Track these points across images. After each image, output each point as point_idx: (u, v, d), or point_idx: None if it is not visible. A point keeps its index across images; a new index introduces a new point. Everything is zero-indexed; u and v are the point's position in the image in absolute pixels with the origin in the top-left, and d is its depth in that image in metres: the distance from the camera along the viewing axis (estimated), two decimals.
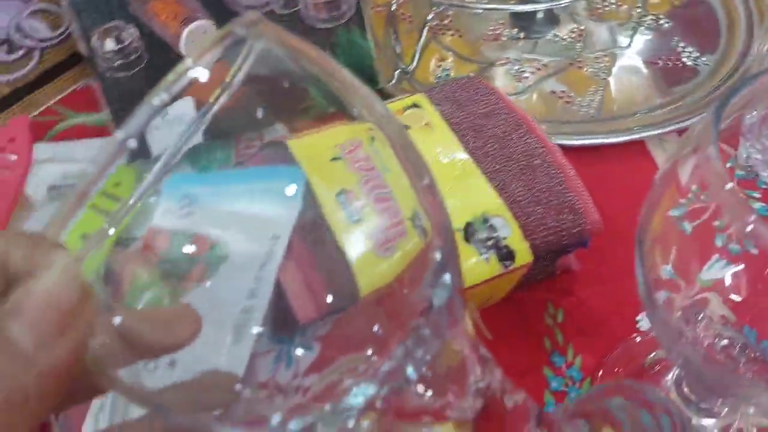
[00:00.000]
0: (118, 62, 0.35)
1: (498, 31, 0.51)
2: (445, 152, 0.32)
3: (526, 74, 0.48)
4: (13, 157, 0.38)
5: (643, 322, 0.35)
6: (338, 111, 0.43)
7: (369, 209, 0.31)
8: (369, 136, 0.35)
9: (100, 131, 0.44)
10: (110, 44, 0.34)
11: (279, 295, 0.31)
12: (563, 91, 0.46)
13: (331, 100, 0.45)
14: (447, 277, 0.19)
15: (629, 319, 0.35)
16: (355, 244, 0.30)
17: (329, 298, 0.29)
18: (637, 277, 0.25)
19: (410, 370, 0.19)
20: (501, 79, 0.47)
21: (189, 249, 0.32)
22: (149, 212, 0.34)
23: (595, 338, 0.34)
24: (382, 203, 0.32)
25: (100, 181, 0.17)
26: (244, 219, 0.33)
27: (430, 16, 0.49)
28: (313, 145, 0.34)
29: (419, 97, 0.35)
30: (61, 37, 0.43)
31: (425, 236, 0.21)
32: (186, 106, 0.38)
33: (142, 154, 0.38)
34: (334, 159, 0.33)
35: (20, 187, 0.38)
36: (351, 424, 0.19)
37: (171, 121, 0.37)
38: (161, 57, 0.36)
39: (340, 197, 0.31)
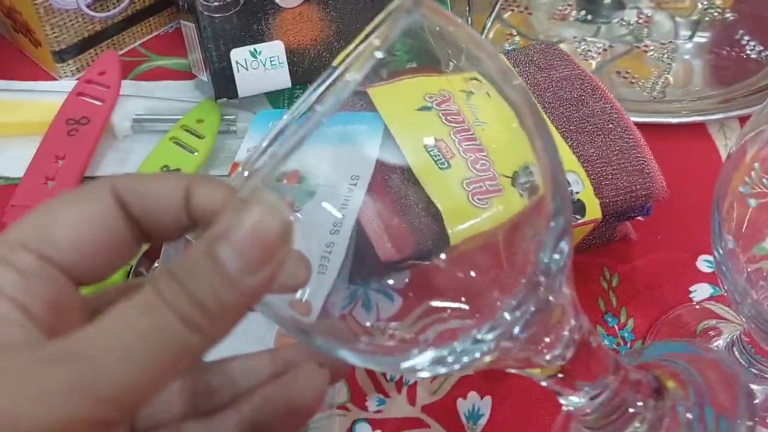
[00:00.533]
0: (216, 3, 0.36)
1: (566, 11, 0.52)
2: None
3: (591, 54, 0.49)
4: (103, 89, 0.40)
5: (696, 292, 0.36)
6: (422, 66, 0.44)
7: (459, 159, 0.32)
8: (464, 90, 0.36)
9: (180, 75, 0.46)
10: None
11: (360, 235, 0.32)
12: (627, 72, 0.47)
13: (417, 54, 0.46)
14: (565, 244, 0.19)
15: (683, 288, 0.36)
16: (445, 192, 0.31)
17: (413, 241, 0.30)
18: (712, 241, 0.27)
19: (517, 329, 0.19)
20: None
21: (279, 180, 0.34)
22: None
23: (648, 304, 0.36)
24: (474, 156, 0.33)
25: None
26: (328, 158, 0.34)
27: None
28: (397, 94, 0.35)
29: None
30: None
31: (533, 195, 0.21)
32: (278, 50, 0.40)
33: (228, 93, 0.40)
34: (423, 108, 0.34)
35: (108, 116, 0.40)
36: (456, 368, 0.20)
37: (261, 66, 0.39)
38: (255, 3, 0.37)
39: (429, 145, 0.33)
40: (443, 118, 0.34)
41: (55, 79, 0.44)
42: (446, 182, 0.31)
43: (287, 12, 0.38)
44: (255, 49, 0.38)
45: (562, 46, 0.49)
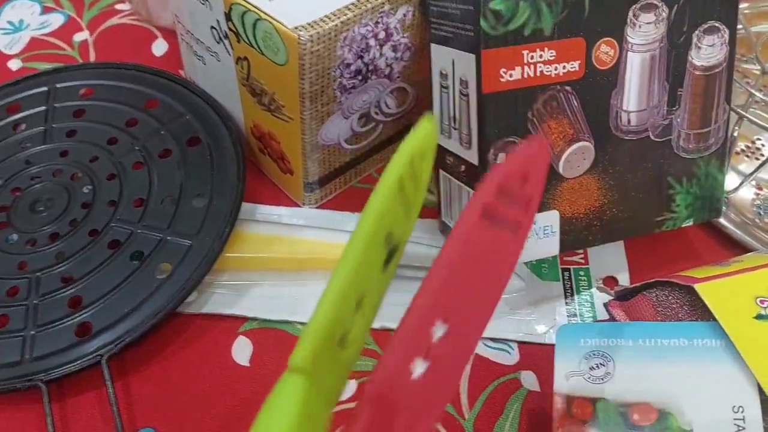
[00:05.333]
0: None
1: None
2: None
3: None
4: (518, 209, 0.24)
5: None
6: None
7: None
8: None
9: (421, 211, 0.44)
10: (503, 159, 0.35)
11: None
12: None
13: (703, 210, 0.42)
14: None
15: None
16: None
17: None
18: None
19: None
20: None
21: (630, 418, 0.30)
22: None
23: None
24: None
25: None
26: (682, 383, 0.30)
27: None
28: (726, 292, 0.31)
29: None
30: (401, 114, 0.44)
31: None
32: (553, 220, 0.38)
33: None
34: (760, 317, 0.31)
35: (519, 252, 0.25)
36: None
37: (534, 236, 0.37)
38: None
39: None
40: None
41: (298, 206, 0.44)
42: None
43: (568, 182, 0.36)
44: None
45: None
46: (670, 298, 0.33)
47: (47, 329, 0.37)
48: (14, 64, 0.53)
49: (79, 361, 0.36)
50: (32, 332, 0.37)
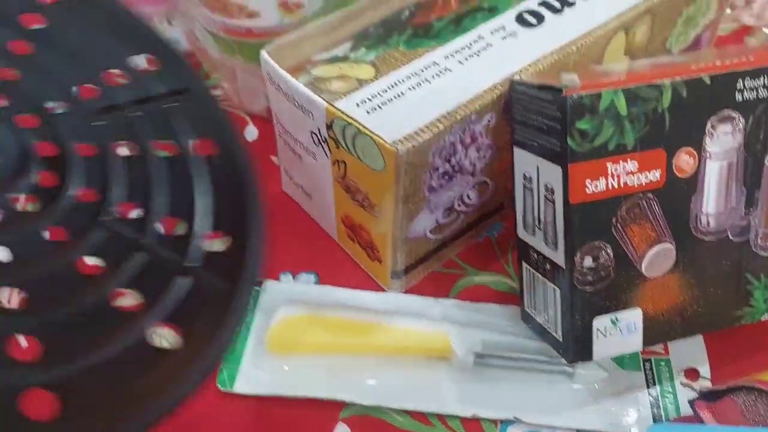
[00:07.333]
0: (589, 278, 0.37)
1: None
2: None
3: None
4: None
5: None
6: None
7: None
8: None
9: (499, 296, 0.47)
10: (588, 261, 0.37)
11: None
12: None
13: None
14: None
15: None
16: None
17: None
18: None
19: None
20: None
21: None
22: None
23: None
24: None
25: None
26: None
27: None
28: None
29: None
30: (481, 203, 0.47)
31: None
32: (636, 317, 0.39)
33: (583, 357, 0.40)
34: None
35: None
36: None
37: (618, 332, 0.39)
38: (623, 275, 0.37)
39: None
40: None
41: (384, 290, 0.47)
42: None
43: (651, 281, 0.38)
44: (615, 318, 0.38)
45: None
46: (758, 403, 0.34)
47: None
48: None
49: None
50: None
